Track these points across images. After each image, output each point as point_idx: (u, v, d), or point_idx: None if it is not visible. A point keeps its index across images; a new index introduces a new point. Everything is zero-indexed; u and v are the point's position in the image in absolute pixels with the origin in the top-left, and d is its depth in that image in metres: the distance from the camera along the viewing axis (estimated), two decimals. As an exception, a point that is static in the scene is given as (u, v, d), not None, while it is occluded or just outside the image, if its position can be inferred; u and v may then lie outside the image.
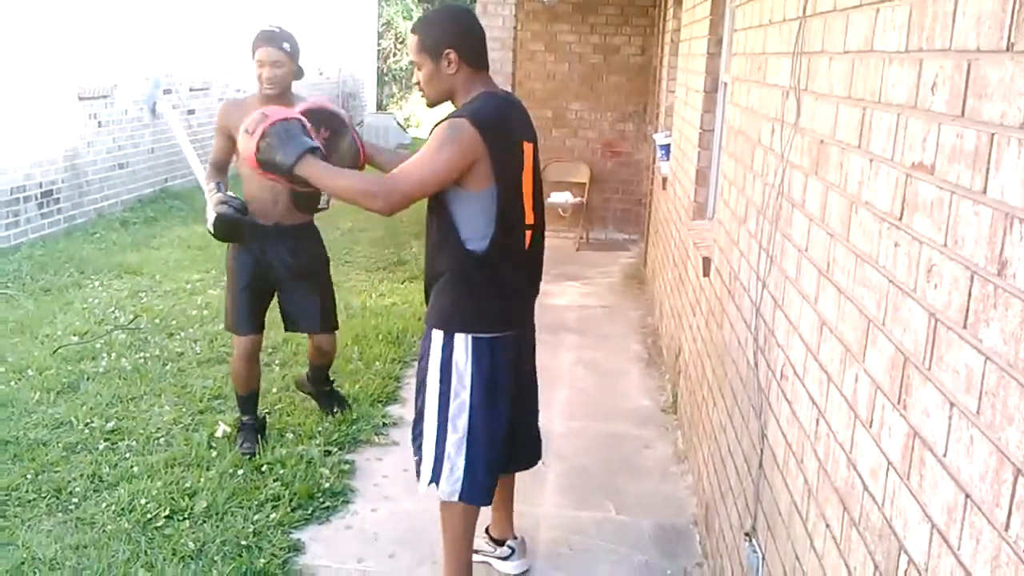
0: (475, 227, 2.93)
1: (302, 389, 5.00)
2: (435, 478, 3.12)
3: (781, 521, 2.40)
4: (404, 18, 24.53)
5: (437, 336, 3.07)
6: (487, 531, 3.61)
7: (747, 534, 2.75)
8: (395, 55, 24.72)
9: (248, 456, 4.30)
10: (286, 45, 4.13)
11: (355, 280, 7.90)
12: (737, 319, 3.32)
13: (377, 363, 5.72)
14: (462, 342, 3.02)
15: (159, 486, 3.97)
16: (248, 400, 4.49)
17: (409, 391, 5.34)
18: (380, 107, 22.30)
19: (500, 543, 3.57)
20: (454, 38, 2.96)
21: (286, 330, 4.70)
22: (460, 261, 2.96)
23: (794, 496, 2.30)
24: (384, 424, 4.86)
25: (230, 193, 4.17)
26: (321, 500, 3.97)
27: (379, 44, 23.06)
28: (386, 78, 24.29)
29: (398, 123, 19.09)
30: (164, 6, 11.02)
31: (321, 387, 4.89)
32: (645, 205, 9.67)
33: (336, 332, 4.68)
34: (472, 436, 3.08)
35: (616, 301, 7.74)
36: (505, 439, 3.18)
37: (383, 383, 5.39)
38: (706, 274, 4.19)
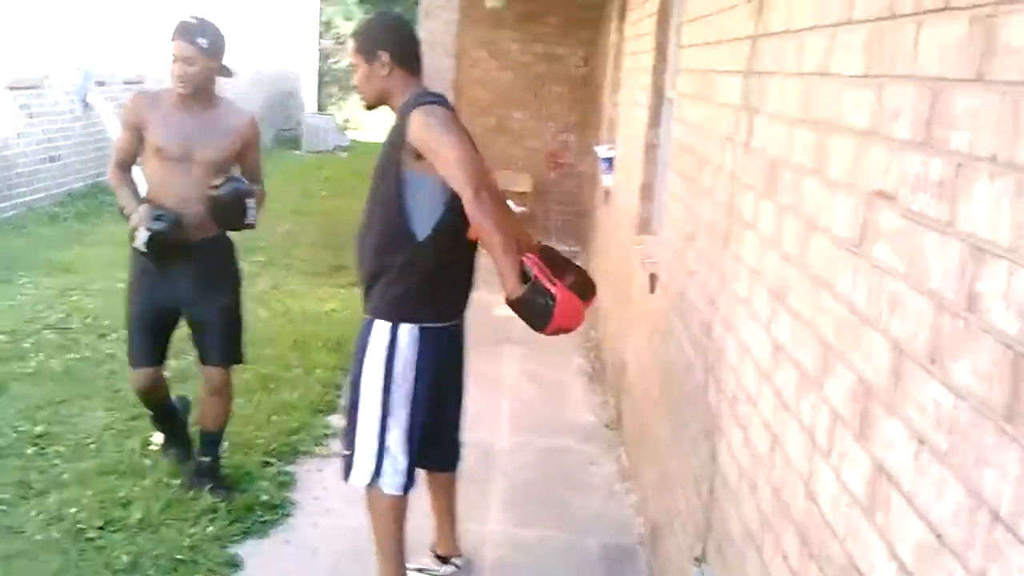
0: (425, 212, 2.96)
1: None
2: (378, 473, 3.10)
3: (734, 548, 2.41)
4: (344, 19, 24.34)
5: (381, 327, 3.06)
6: (432, 550, 3.56)
7: (697, 559, 2.75)
8: (335, 56, 24.50)
9: (180, 463, 4.09)
10: (202, 40, 3.63)
11: (293, 284, 7.78)
12: (685, 339, 3.33)
13: (318, 370, 5.64)
14: (407, 333, 3.03)
15: (90, 495, 3.84)
16: (162, 413, 4.10)
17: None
18: (320, 108, 22.07)
19: (445, 560, 3.53)
20: (388, 42, 3.05)
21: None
22: (408, 251, 2.98)
23: (748, 524, 2.30)
24: (325, 435, 4.77)
25: (158, 206, 3.67)
26: (260, 513, 3.88)
27: (319, 44, 22.83)
28: (326, 79, 24.06)
29: (337, 125, 18.94)
30: (96, -1, 10.76)
31: (205, 455, 4.02)
32: (587, 217, 9.72)
33: (232, 369, 4.02)
34: (412, 428, 3.09)
35: (557, 312, 7.72)
36: (424, 428, 3.17)
37: (323, 392, 5.31)
38: (652, 291, 4.20)
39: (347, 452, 3.17)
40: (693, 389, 3.08)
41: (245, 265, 8.31)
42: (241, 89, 16.28)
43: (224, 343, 3.95)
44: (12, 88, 9.22)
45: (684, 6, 3.83)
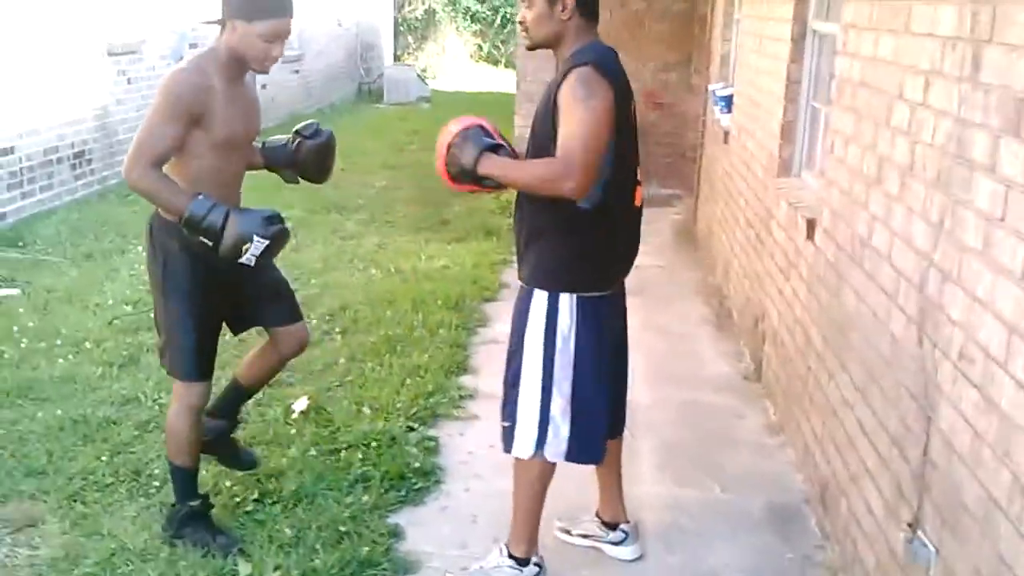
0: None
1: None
2: (540, 445, 3.00)
3: (969, 517, 2.20)
4: (419, -33, 23.98)
5: (540, 296, 2.94)
6: (597, 515, 3.43)
7: (909, 524, 2.55)
8: (410, 4, 24.21)
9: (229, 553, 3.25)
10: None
11: (400, 242, 7.67)
12: (869, 289, 3.10)
13: (441, 330, 5.53)
14: (567, 302, 2.91)
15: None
16: (195, 476, 3.39)
17: (479, 360, 5.17)
18: (396, 59, 21.88)
19: (612, 527, 3.39)
20: None
21: (237, 332, 3.67)
22: (568, 215, 2.81)
23: (992, 492, 2.09)
24: (460, 397, 4.66)
25: (244, 209, 3.10)
26: (413, 480, 3.78)
27: (395, -6, 22.58)
28: (401, 28, 23.82)
29: (418, 75, 18.74)
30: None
31: (233, 421, 3.69)
32: (694, 159, 9.39)
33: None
34: (578, 401, 2.97)
35: (671, 260, 7.50)
36: (610, 400, 3.09)
37: (451, 352, 5.19)
38: (809, 237, 3.95)
39: (507, 423, 3.07)
40: (888, 344, 2.85)
41: (349, 224, 8.40)
42: (321, 43, 16.26)
43: (295, 302, 3.56)
44: (110, 54, 9.22)
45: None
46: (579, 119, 2.65)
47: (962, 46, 2.40)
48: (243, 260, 2.97)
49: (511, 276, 6.80)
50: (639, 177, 3.00)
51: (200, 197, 2.95)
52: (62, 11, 8.31)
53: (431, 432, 4.26)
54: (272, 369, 3.60)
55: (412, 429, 4.23)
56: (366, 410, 4.38)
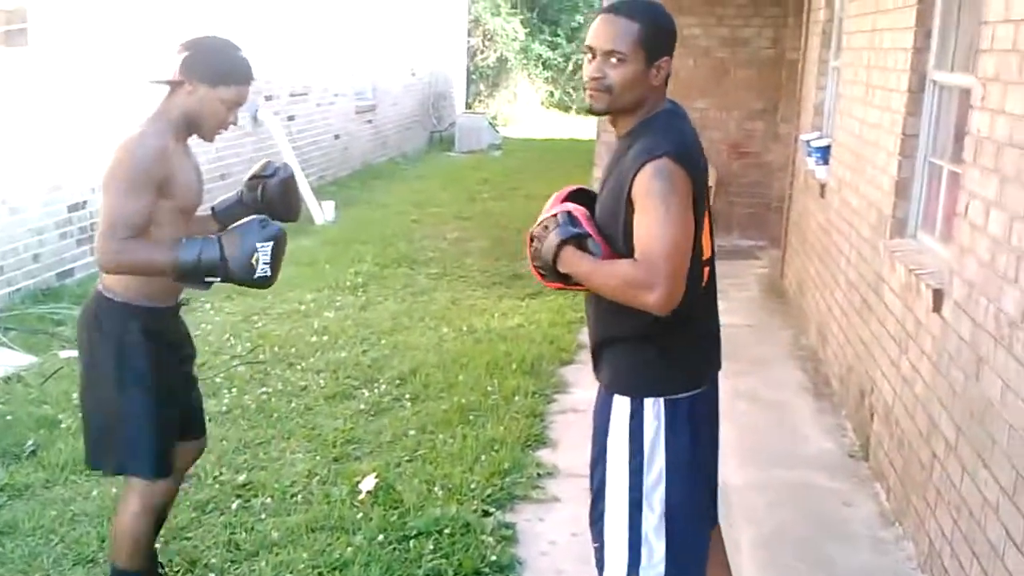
0: None
1: None
2: (633, 567, 2.58)
3: None
4: (492, 14, 24.01)
5: (621, 403, 2.55)
6: None
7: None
8: (482, 52, 24.24)
9: None
10: None
11: (473, 298, 7.36)
12: (1022, 376, 2.67)
13: (517, 397, 5.17)
14: (652, 407, 2.51)
15: (304, 558, 3.47)
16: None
17: (557, 432, 4.81)
18: (468, 106, 21.83)
19: None
20: (672, 47, 2.44)
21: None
22: (644, 322, 2.41)
23: None
24: (539, 475, 4.29)
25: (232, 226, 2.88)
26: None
27: (468, 41, 22.59)
28: (473, 76, 23.83)
29: (489, 123, 18.61)
30: (259, 9, 10.64)
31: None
32: (779, 210, 8.96)
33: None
34: (672, 514, 2.56)
35: (760, 319, 7.07)
36: (709, 509, 2.71)
37: (529, 423, 4.82)
38: (936, 309, 3.52)
39: (596, 544, 2.68)
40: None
41: (420, 278, 8.13)
42: (394, 93, 16.22)
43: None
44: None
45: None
46: (660, 219, 2.30)
47: None
48: (259, 275, 2.77)
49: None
50: (708, 257, 2.56)
51: (183, 242, 2.74)
52: (135, 61, 8.26)
53: (508, 517, 3.89)
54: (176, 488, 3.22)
55: (488, 514, 3.87)
56: (438, 490, 4.03)
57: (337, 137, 13.36)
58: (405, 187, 13.08)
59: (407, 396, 5.19)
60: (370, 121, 15.00)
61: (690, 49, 9.22)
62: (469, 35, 22.58)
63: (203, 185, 3.05)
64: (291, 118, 11.44)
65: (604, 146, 8.01)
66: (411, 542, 3.61)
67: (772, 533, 3.88)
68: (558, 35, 26.60)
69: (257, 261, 2.74)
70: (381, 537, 3.63)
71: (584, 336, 6.38)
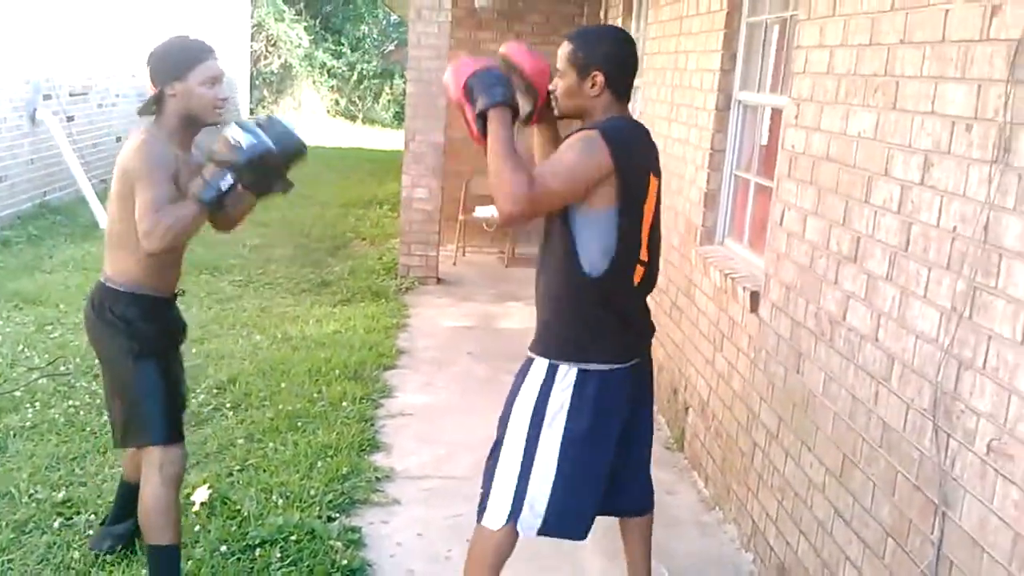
0: (594, 249, 2.71)
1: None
2: (514, 514, 2.82)
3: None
4: (276, 20, 23.51)
5: (539, 365, 2.82)
6: None
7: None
8: (266, 58, 23.69)
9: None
10: None
11: (283, 305, 7.23)
12: (846, 370, 2.98)
13: (344, 403, 5.15)
14: (565, 373, 2.78)
15: (144, 574, 3.32)
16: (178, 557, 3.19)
17: (389, 436, 4.84)
18: (251, 113, 21.25)
19: None
20: (607, 61, 2.78)
21: None
22: (576, 285, 2.75)
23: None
24: (377, 478, 4.30)
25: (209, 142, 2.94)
26: (342, 582, 3.41)
27: (251, 47, 21.98)
28: (256, 82, 23.23)
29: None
30: (39, 6, 9.96)
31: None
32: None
33: None
34: (562, 474, 2.79)
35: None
36: (603, 480, 2.90)
37: (360, 428, 4.83)
38: (753, 310, 3.84)
39: (482, 491, 2.91)
40: (878, 429, 2.73)
41: (224, 285, 7.87)
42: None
43: None
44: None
45: (812, 5, 3.46)
46: (563, 167, 2.62)
47: (982, 127, 2.31)
48: (247, 144, 2.84)
49: (406, 342, 6.51)
50: (646, 259, 2.84)
51: (195, 191, 2.87)
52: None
53: (353, 522, 3.88)
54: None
55: (332, 519, 3.85)
56: (276, 498, 3.96)
57: (119, 139, 12.65)
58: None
59: (228, 405, 5.05)
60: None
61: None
62: (252, 40, 22.00)
63: None
64: (71, 118, 10.74)
65: (412, 156, 8.06)
66: (256, 551, 3.54)
67: (605, 522, 4.06)
68: (342, 44, 26.41)
69: (236, 139, 2.83)
70: (224, 548, 3.54)
71: (403, 342, 6.48)
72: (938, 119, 2.53)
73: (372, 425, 4.94)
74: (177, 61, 2.97)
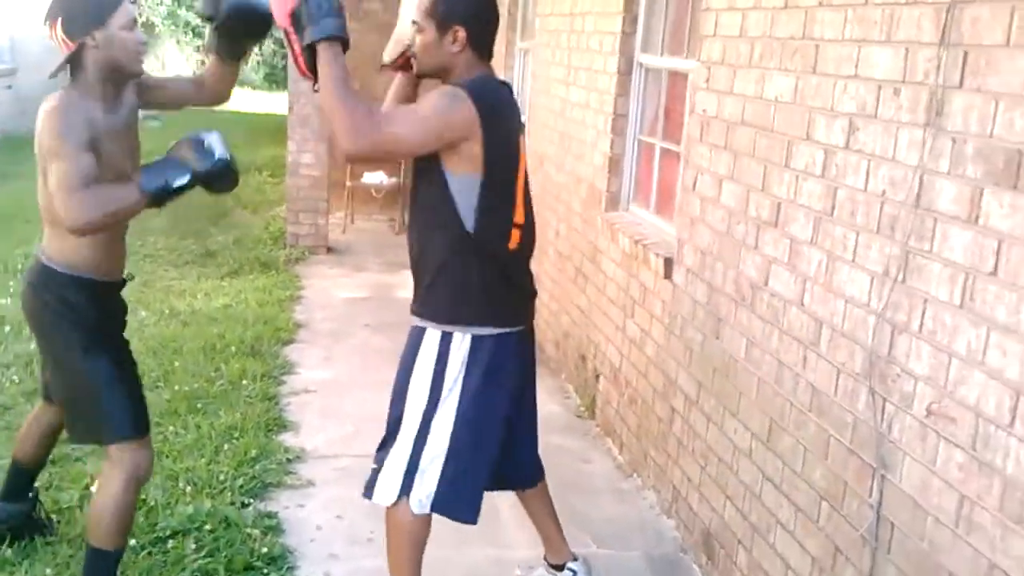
0: (471, 209, 2.63)
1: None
2: (404, 492, 2.75)
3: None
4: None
5: (432, 334, 2.75)
6: (545, 559, 3.25)
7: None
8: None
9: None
10: None
11: (166, 279, 6.94)
12: (769, 334, 3.01)
13: (244, 381, 4.97)
14: (459, 340, 2.71)
15: (48, 573, 3.12)
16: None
17: (295, 414, 4.69)
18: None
19: (560, 568, 3.20)
20: (468, 17, 2.65)
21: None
22: (460, 245, 2.66)
23: (999, 561, 2.00)
24: (288, 460, 4.16)
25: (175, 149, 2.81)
26: (264, 571, 3.28)
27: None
28: (117, 42, 22.12)
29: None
30: None
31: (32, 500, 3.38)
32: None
33: None
34: (455, 447, 2.74)
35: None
36: (496, 448, 2.85)
37: (265, 407, 4.66)
38: (667, 276, 3.85)
39: (374, 466, 2.84)
40: (806, 393, 2.76)
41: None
42: (36, 54, 14.63)
43: None
44: None
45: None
46: (419, 115, 2.53)
47: (912, 90, 2.33)
48: (219, 156, 2.76)
49: (302, 315, 6.32)
50: (522, 222, 2.77)
51: (142, 178, 2.69)
52: None
53: (268, 507, 3.74)
54: (53, 432, 3.28)
55: (245, 505, 3.70)
56: (183, 485, 3.78)
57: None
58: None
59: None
60: (10, 87, 13.47)
61: (372, 24, 9.20)
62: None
63: (138, 144, 2.99)
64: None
65: (297, 119, 7.80)
66: (168, 543, 3.37)
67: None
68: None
69: (211, 146, 2.74)
70: (133, 542, 3.34)
71: (300, 315, 6.29)
72: (862, 83, 2.54)
73: (276, 403, 4.78)
74: (95, 6, 2.71)
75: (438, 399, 2.72)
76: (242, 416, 4.49)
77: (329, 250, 8.12)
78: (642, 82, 4.61)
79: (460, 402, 2.72)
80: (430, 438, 2.73)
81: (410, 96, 2.91)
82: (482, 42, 2.69)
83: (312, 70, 2.47)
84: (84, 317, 2.84)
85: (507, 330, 2.78)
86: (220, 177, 2.78)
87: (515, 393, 2.89)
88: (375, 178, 9.07)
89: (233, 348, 5.42)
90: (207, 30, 3.13)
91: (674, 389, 3.78)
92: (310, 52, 2.45)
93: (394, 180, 9.14)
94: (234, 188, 2.88)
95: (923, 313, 2.27)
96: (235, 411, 4.54)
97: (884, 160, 2.44)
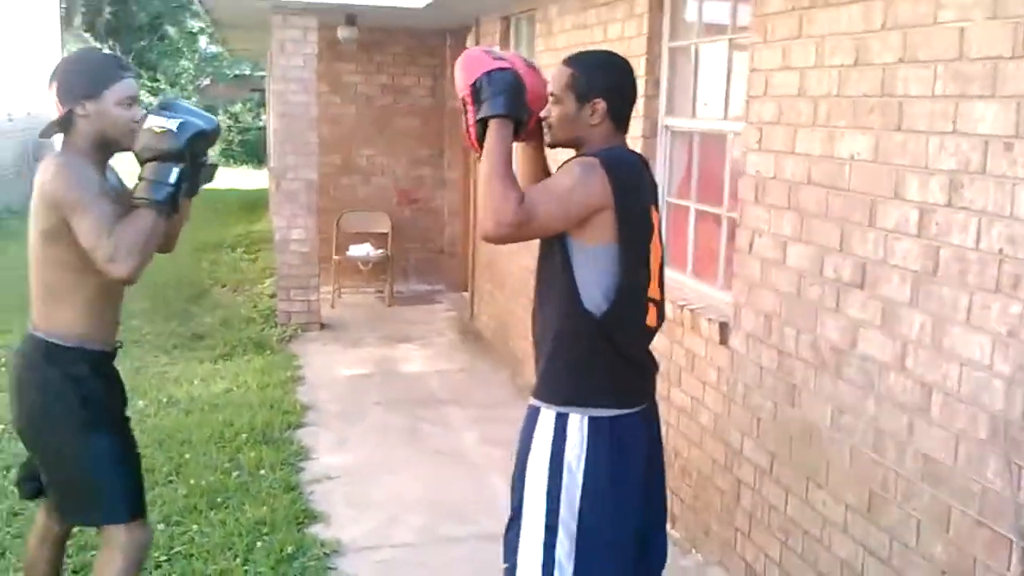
0: (595, 286, 2.49)
1: None
2: None
3: None
4: (88, 56, 22.21)
5: (547, 415, 2.55)
6: None
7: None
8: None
9: None
10: None
11: (158, 364, 6.66)
12: (864, 401, 2.88)
13: (263, 471, 4.71)
14: (577, 422, 2.52)
15: None
16: None
17: (321, 504, 4.45)
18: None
19: None
20: (609, 89, 2.58)
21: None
22: (576, 322, 2.51)
23: None
24: (326, 554, 3.92)
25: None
26: None
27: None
28: (70, 123, 21.82)
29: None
30: None
31: None
32: (455, 255, 9.15)
33: None
34: (586, 541, 2.53)
35: (469, 363, 7.08)
36: (632, 544, 2.63)
37: (291, 499, 4.40)
38: (723, 342, 3.72)
39: (506, 565, 2.62)
40: (916, 462, 2.63)
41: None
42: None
43: None
44: None
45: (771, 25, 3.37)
46: (557, 191, 2.44)
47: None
48: (205, 127, 2.66)
49: (307, 396, 6.09)
50: (657, 297, 2.63)
51: (142, 197, 2.60)
52: None
53: (315, 610, 3.50)
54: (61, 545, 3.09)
55: (293, 610, 3.46)
56: (222, 588, 3.53)
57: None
58: (22, 245, 11.55)
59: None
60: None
61: (352, 97, 9.15)
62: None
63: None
64: None
65: (285, 195, 7.63)
66: (219, 657, 3.12)
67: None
68: (158, 80, 25.32)
69: (163, 125, 2.60)
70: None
71: (304, 396, 6.06)
72: (951, 138, 2.46)
73: (300, 493, 4.52)
74: (92, 78, 2.67)
75: (559, 486, 2.52)
76: (269, 509, 4.24)
77: (323, 326, 7.90)
78: (668, 145, 4.53)
79: (583, 487, 2.51)
80: (560, 527, 2.53)
81: (539, 164, 2.79)
82: (620, 114, 2.61)
83: (480, 143, 2.45)
84: (88, 390, 2.73)
85: (626, 411, 2.58)
86: (200, 142, 2.66)
87: (643, 475, 2.65)
88: (361, 251, 8.90)
89: (244, 436, 5.17)
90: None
91: (739, 460, 3.63)
92: (482, 126, 2.43)
93: (381, 252, 8.98)
94: (214, 142, 2.79)
95: (1065, 375, 2.16)
96: (259, 504, 4.29)
97: (999, 217, 2.35)
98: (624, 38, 4.74)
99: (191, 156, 2.64)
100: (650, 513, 2.75)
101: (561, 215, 2.43)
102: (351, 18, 8.05)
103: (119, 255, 2.52)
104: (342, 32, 8.10)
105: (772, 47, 3.38)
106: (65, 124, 2.68)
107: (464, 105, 2.49)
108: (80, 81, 2.67)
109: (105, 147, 2.73)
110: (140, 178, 2.62)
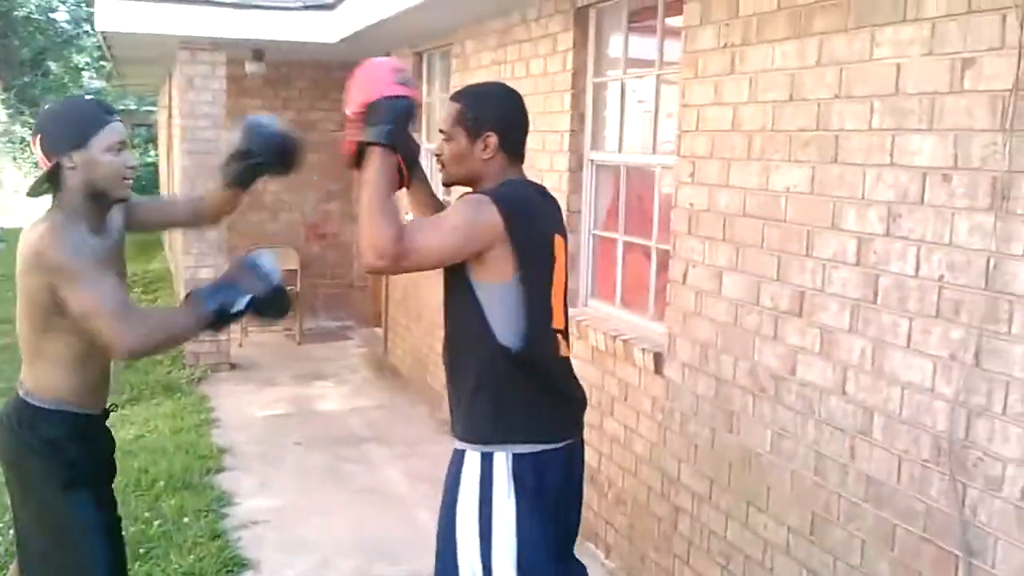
0: (505, 323, 2.46)
1: None
2: None
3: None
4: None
5: (471, 458, 2.50)
6: None
7: None
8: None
9: None
10: None
11: (61, 410, 6.36)
12: (804, 426, 2.96)
13: (185, 519, 4.55)
14: (502, 462, 2.48)
15: None
16: None
17: (250, 550, 4.34)
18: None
19: None
20: (499, 121, 2.54)
21: None
22: (494, 357, 2.47)
23: None
24: (262, 604, 3.81)
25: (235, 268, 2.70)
26: None
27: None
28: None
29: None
30: None
31: None
32: (365, 289, 9.06)
33: None
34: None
35: (388, 399, 7.00)
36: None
37: (218, 547, 4.26)
38: (658, 371, 3.78)
39: None
40: (859, 483, 2.71)
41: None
42: None
43: None
44: None
45: (705, 59, 3.47)
46: (446, 226, 2.40)
47: (966, 176, 2.37)
48: (275, 282, 2.65)
49: (224, 438, 5.92)
50: (561, 327, 2.61)
51: (201, 300, 2.55)
52: None
53: (255, 659, 3.39)
54: None
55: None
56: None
57: None
58: None
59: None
60: None
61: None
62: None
63: (126, 269, 2.84)
64: None
65: (194, 233, 7.44)
66: None
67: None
68: (42, 115, 24.40)
69: (268, 270, 2.63)
70: None
71: (220, 439, 5.89)
72: (889, 170, 2.58)
73: (227, 540, 4.38)
74: (76, 126, 2.53)
75: (490, 530, 2.46)
76: (196, 559, 4.09)
77: (233, 366, 7.70)
78: (594, 178, 4.60)
79: (518, 531, 2.47)
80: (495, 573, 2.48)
81: (430, 204, 2.75)
82: (514, 146, 2.57)
83: (356, 163, 2.37)
84: (67, 454, 2.58)
85: (547, 447, 2.54)
86: (274, 303, 2.63)
87: (559, 516, 2.63)
88: (269, 288, 8.72)
89: (162, 483, 4.98)
90: (225, 161, 2.91)
91: (676, 487, 3.68)
92: (364, 148, 2.34)
93: (290, 289, 8.79)
94: (286, 315, 2.73)
95: (1006, 395, 2.26)
96: (185, 553, 4.15)
97: (939, 245, 2.46)
98: (548, 74, 4.81)
99: (258, 306, 2.61)
100: (567, 545, 2.75)
101: (445, 249, 2.39)
102: (259, 53, 7.95)
103: (131, 339, 2.43)
104: (249, 67, 7.99)
105: (704, 83, 3.48)
106: (54, 179, 2.54)
107: (351, 122, 2.39)
108: (65, 131, 2.54)
109: (98, 198, 2.58)
110: (210, 285, 2.61)
